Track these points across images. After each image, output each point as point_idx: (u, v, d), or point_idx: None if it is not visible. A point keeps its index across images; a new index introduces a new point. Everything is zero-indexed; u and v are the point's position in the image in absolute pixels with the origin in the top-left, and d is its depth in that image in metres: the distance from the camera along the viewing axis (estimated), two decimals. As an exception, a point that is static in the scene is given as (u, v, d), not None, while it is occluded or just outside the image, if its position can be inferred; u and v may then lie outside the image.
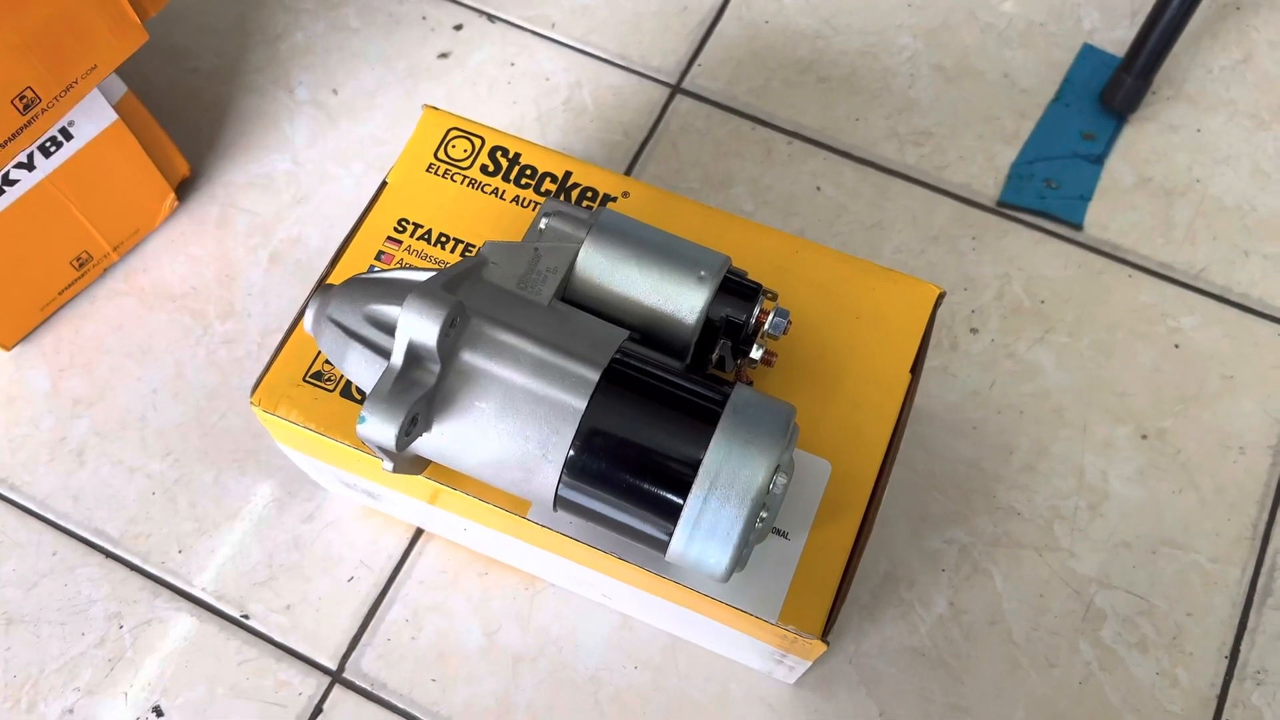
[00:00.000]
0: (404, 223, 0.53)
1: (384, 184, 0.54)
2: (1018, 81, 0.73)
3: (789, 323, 0.45)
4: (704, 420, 0.40)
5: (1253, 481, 0.62)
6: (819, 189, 0.70)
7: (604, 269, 0.44)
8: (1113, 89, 0.70)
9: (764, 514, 0.40)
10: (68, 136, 0.60)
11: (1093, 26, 0.75)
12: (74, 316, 0.67)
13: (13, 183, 0.58)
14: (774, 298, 0.47)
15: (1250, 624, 0.59)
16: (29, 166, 0.59)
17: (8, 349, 0.65)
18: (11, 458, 0.63)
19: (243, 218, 0.70)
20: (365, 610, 0.59)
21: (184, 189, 0.70)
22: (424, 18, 0.76)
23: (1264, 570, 0.60)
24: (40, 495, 0.62)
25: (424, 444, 0.41)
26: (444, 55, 0.75)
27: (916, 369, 0.50)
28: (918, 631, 0.58)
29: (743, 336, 0.45)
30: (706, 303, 0.44)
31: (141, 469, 0.63)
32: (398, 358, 0.39)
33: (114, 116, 0.61)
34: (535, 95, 0.73)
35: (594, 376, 0.40)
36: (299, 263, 0.68)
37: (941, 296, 0.51)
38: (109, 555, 0.61)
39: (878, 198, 0.69)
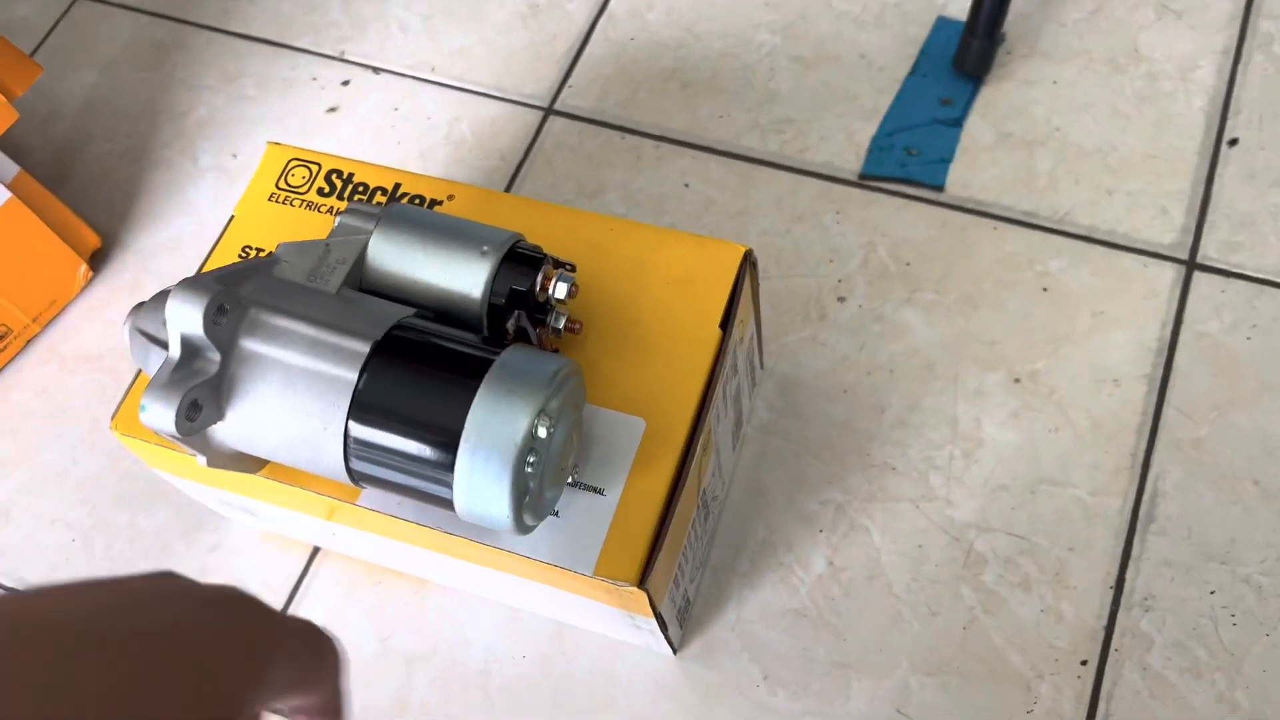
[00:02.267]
0: (247, 249, 0.56)
1: (231, 218, 0.58)
2: (874, 61, 0.75)
3: (574, 286, 0.47)
4: (474, 378, 0.42)
5: (1129, 411, 0.61)
6: (687, 185, 0.72)
7: (393, 256, 0.47)
8: (962, 53, 0.72)
9: (532, 459, 0.41)
10: (-36, 218, 0.65)
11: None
12: (1, 388, 0.72)
13: (-83, 264, 0.64)
14: (572, 269, 0.49)
15: (1134, 552, 0.58)
16: (-70, 247, 0.64)
17: (-59, 423, 0.70)
18: (-53, 523, 0.67)
19: (153, 279, 0.74)
20: (267, 628, 0.61)
21: (99, 259, 0.75)
22: (314, 79, 0.81)
23: (1145, 497, 0.59)
24: (-27, 554, 0.66)
25: (221, 432, 0.44)
26: (333, 110, 0.79)
27: (727, 325, 0.51)
28: (798, 593, 0.59)
29: (535, 305, 0.48)
30: (490, 276, 0.46)
31: (61, 519, 0.66)
32: (174, 349, 0.42)
33: (7, 195, 0.66)
34: (417, 134, 0.77)
35: (364, 349, 0.43)
36: (202, 314, 0.72)
37: (748, 254, 0.52)
38: (33, 602, 0.64)
39: (743, 187, 0.71)
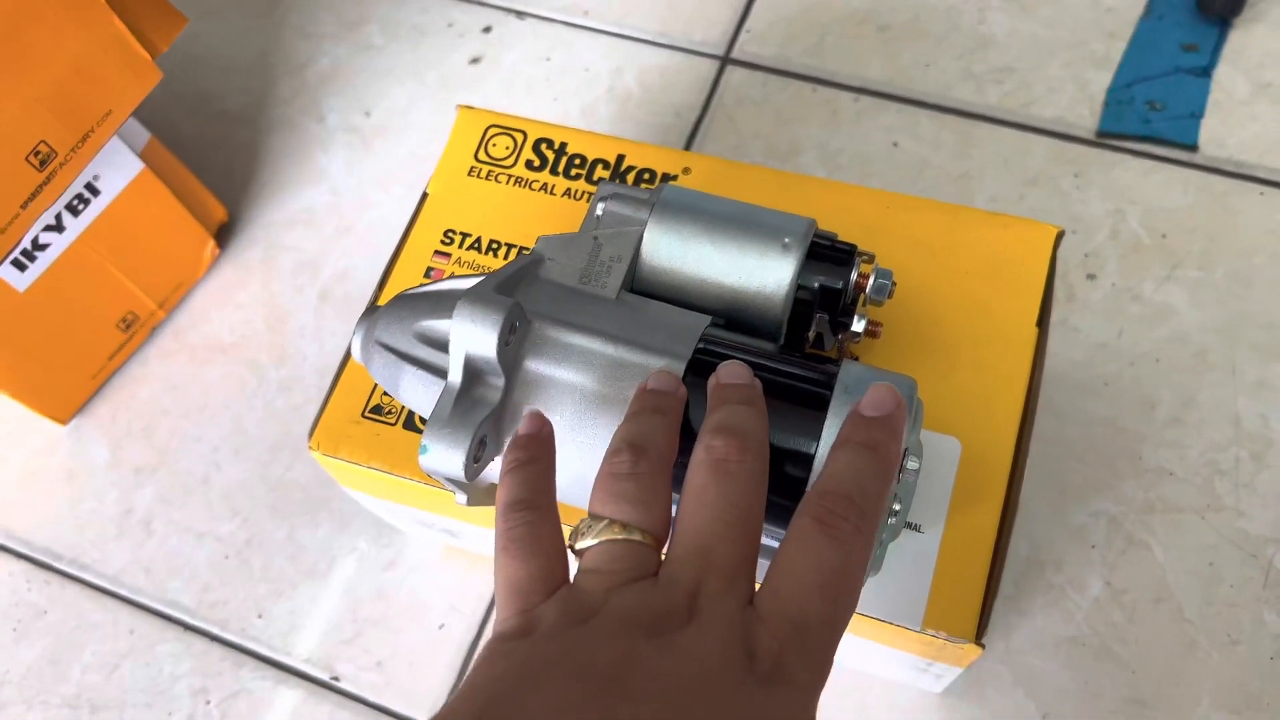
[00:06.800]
0: (450, 234, 0.48)
1: (424, 195, 0.49)
2: (1101, 0, 0.66)
3: (893, 284, 0.39)
4: (811, 407, 0.34)
5: None
6: (896, 145, 0.64)
7: (673, 250, 0.39)
8: (1211, -9, 0.63)
9: (895, 506, 0.34)
10: (94, 192, 0.56)
11: (1176, -72, 0.68)
12: (128, 381, 0.64)
13: (43, 247, 0.55)
14: (871, 259, 0.41)
15: None
16: (58, 228, 0.56)
17: (64, 423, 0.62)
18: (79, 535, 0.60)
19: (287, 257, 0.66)
20: (460, 658, 0.54)
21: (224, 235, 0.67)
22: (450, 24, 0.72)
23: None
24: (112, 572, 0.59)
25: (493, 469, 0.36)
26: (475, 60, 0.71)
27: (1043, 322, 0.43)
28: (1074, 619, 0.52)
29: (840, 307, 0.40)
30: (794, 273, 0.39)
31: (210, 533, 0.59)
32: (455, 375, 0.34)
33: (140, 165, 0.58)
34: (576, 88, 0.68)
35: (677, 370, 0.35)
36: (349, 296, 0.64)
37: (1060, 236, 0.45)
38: (187, 628, 0.57)
39: (962, 146, 0.63)
